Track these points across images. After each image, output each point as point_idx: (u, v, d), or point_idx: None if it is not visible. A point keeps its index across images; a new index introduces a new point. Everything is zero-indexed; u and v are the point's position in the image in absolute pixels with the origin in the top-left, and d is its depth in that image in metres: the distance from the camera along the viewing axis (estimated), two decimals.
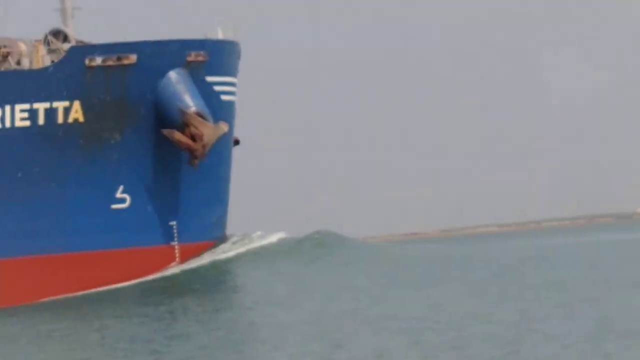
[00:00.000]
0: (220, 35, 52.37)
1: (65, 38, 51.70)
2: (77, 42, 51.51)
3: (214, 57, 51.49)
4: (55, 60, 49.75)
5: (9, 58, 49.85)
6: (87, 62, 49.24)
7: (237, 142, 55.41)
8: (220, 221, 54.52)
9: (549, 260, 59.95)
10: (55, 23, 54.01)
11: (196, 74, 50.52)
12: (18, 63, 51.07)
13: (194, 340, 35.82)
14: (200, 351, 32.95)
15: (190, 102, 49.63)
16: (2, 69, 51.43)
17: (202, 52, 50.89)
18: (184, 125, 49.62)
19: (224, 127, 50.05)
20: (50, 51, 50.52)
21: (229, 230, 55.95)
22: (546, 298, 37.68)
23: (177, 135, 49.75)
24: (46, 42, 50.86)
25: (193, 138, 49.68)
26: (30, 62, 50.46)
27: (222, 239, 54.76)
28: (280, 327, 37.16)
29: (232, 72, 53.24)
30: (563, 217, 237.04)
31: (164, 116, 50.11)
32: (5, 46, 50.74)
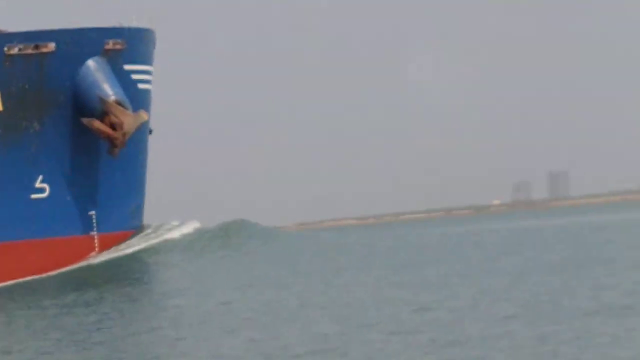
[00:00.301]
0: (135, 23, 52.54)
1: None
2: None
3: (130, 45, 51.58)
4: None
5: None
6: (5, 50, 48.39)
7: (150, 132, 55.69)
8: (138, 210, 54.64)
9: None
10: None
11: (114, 63, 50.48)
12: None
13: (114, 329, 36.76)
14: (121, 339, 34.12)
15: (110, 91, 49.51)
16: None
17: (119, 40, 50.87)
18: (103, 114, 49.46)
19: (143, 115, 50.24)
20: None
21: (145, 220, 56.42)
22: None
23: (97, 124, 49.54)
24: None
25: (113, 127, 49.58)
26: None
27: (140, 228, 54.88)
28: (190, 316, 38.69)
29: (148, 61, 53.38)
30: (420, 210, 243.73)
31: (84, 105, 49.74)
32: None
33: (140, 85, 52.45)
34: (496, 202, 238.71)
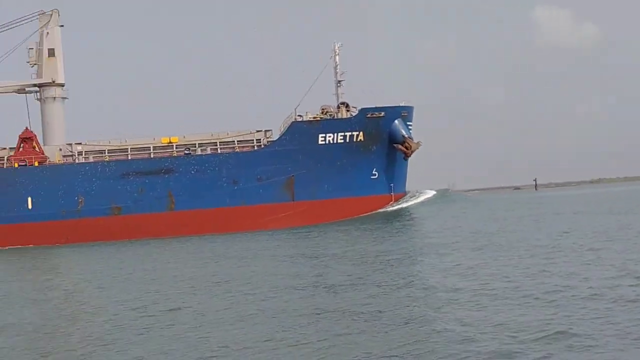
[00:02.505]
0: (403, 103, 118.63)
1: (347, 106, 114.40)
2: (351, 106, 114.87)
3: (409, 113, 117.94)
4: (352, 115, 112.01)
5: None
6: (367, 115, 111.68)
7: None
8: (404, 183, 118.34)
9: None
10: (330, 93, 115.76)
11: (404, 121, 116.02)
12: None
13: (387, 242, 65.52)
14: (391, 249, 59.62)
15: (405, 133, 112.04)
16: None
17: (406, 112, 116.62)
18: (403, 142, 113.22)
19: (420, 143, 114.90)
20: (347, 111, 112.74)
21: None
22: None
23: (400, 147, 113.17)
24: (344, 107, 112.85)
25: (407, 148, 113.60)
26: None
27: (406, 192, 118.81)
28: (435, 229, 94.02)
29: (410, 119, 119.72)
30: None
31: (394, 138, 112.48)
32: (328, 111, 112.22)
33: (410, 129, 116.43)
34: None
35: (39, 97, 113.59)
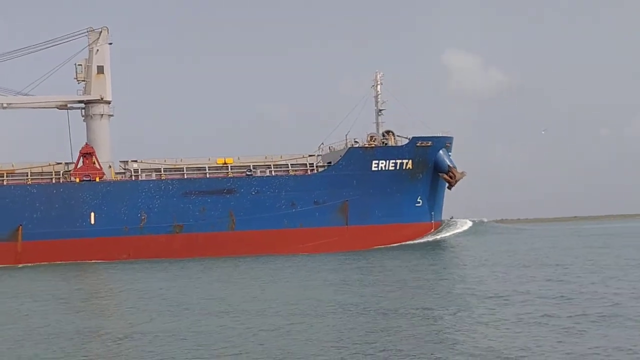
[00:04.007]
0: (440, 133, 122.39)
1: (393, 134, 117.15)
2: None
3: (450, 144, 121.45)
4: (404, 143, 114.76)
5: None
6: (417, 143, 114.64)
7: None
8: (440, 212, 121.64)
9: None
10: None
11: (448, 150, 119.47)
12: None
13: (433, 267, 73.73)
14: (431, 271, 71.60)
15: (450, 163, 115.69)
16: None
17: (449, 143, 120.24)
18: (448, 172, 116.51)
19: (464, 173, 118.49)
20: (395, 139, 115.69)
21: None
22: None
23: (445, 176, 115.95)
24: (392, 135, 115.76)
25: (451, 177, 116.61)
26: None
27: (442, 221, 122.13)
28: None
29: (450, 150, 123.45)
30: None
31: (440, 167, 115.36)
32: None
33: (453, 159, 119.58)
34: None
35: (84, 113, 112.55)
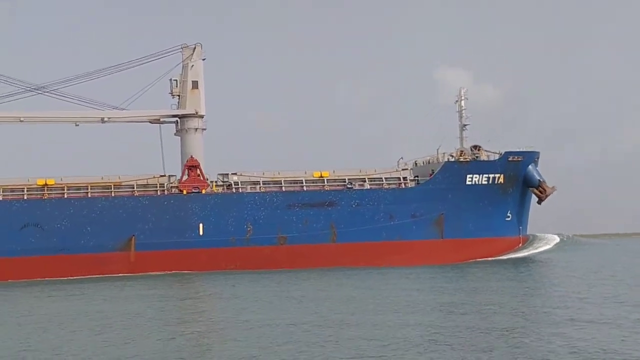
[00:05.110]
0: (525, 148, 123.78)
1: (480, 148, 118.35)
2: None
3: (538, 159, 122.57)
4: (493, 158, 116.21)
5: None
6: (509, 158, 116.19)
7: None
8: (527, 227, 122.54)
9: None
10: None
11: (535, 165, 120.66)
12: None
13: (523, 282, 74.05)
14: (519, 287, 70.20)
15: (539, 177, 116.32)
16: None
17: (536, 159, 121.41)
18: (538, 186, 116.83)
19: (555, 188, 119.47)
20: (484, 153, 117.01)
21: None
22: None
23: (535, 190, 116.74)
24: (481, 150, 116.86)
25: (541, 192, 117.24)
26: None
27: (528, 236, 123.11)
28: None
29: (537, 164, 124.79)
30: None
31: (530, 181, 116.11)
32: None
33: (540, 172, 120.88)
34: None
35: (178, 127, 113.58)
